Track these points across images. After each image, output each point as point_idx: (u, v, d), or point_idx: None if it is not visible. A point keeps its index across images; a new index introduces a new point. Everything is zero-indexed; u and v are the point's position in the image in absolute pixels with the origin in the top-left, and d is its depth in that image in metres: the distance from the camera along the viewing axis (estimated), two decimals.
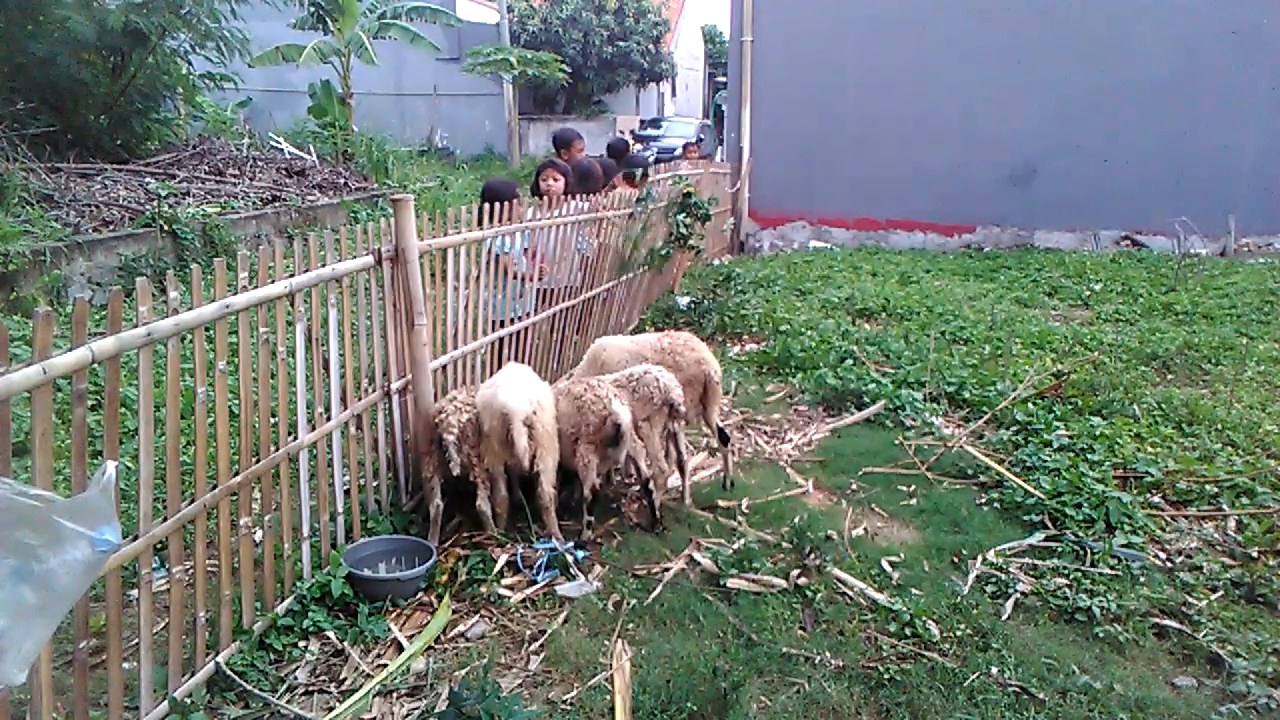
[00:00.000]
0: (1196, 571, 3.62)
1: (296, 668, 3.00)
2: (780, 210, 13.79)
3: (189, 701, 2.67)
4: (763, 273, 10.30)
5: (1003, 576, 3.53)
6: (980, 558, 3.69)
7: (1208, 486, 4.30)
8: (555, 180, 5.82)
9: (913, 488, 4.47)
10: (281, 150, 12.92)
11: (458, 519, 4.03)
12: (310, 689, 2.91)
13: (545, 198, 5.35)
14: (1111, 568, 3.59)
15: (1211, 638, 3.13)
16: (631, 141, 17.97)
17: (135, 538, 2.47)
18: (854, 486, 4.50)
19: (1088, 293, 9.26)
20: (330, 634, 3.16)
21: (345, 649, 3.09)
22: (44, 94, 9.16)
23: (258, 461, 3.00)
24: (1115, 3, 11.67)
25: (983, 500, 4.33)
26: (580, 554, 3.72)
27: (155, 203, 8.53)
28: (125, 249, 7.75)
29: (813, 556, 3.62)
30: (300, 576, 3.31)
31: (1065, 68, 11.95)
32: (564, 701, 2.81)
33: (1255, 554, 3.72)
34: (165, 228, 8.12)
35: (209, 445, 2.76)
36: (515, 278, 4.84)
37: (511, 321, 4.91)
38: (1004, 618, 3.26)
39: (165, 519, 2.59)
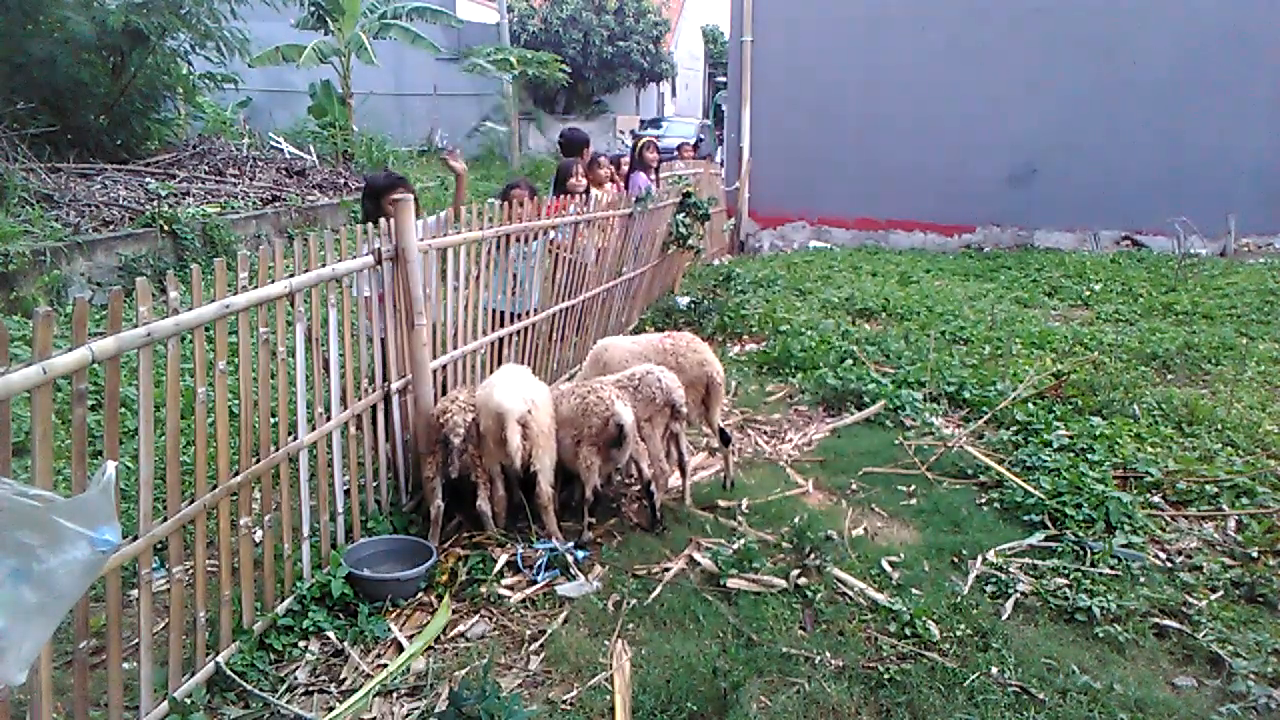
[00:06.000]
0: (1196, 571, 3.62)
1: (296, 668, 3.00)
2: (780, 210, 13.79)
3: (189, 701, 2.68)
4: (763, 273, 10.29)
5: (1003, 576, 3.53)
6: (980, 558, 3.69)
7: (1208, 486, 4.30)
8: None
9: (913, 488, 4.47)
10: (281, 150, 12.92)
11: (458, 519, 4.03)
12: (310, 689, 2.91)
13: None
14: (1111, 568, 3.59)
15: (1211, 638, 3.13)
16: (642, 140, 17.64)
17: (135, 538, 2.48)
18: (854, 486, 4.50)
19: (1088, 293, 9.26)
20: (330, 634, 3.16)
21: (345, 649, 3.09)
22: (44, 94, 9.16)
23: (258, 461, 3.00)
24: (1115, 3, 11.67)
25: (983, 500, 4.33)
26: (580, 554, 3.72)
27: (155, 203, 8.54)
28: (125, 249, 7.75)
29: (813, 556, 3.62)
30: (300, 576, 3.31)
31: (1065, 68, 11.94)
32: (564, 701, 2.81)
33: (1255, 554, 3.72)
34: (165, 228, 8.12)
35: (209, 445, 2.76)
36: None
37: (514, 318, 4.90)
38: (1004, 618, 3.26)
39: (165, 519, 2.60)
